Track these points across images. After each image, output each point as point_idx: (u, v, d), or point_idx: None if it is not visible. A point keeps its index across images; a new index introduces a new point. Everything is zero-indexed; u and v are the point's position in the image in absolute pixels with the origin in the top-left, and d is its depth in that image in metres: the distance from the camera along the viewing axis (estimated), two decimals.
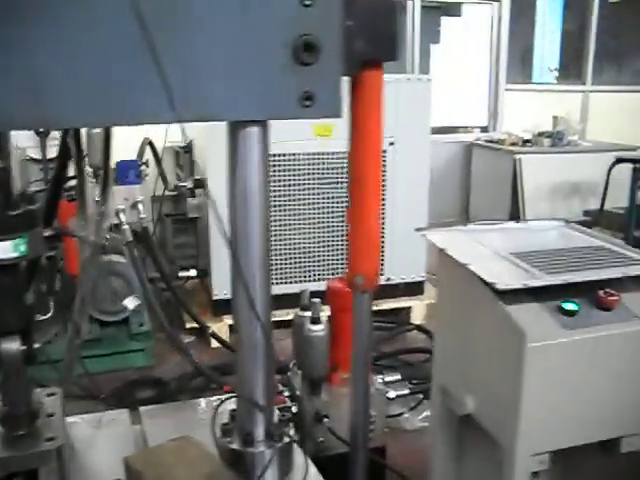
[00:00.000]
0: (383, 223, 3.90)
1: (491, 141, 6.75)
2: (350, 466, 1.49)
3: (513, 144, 6.54)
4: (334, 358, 2.08)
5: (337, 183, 3.80)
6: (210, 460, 1.26)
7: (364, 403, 1.46)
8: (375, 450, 2.08)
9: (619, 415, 1.63)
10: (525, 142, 6.64)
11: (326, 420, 2.11)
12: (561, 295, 1.60)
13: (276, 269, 3.82)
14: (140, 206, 3.00)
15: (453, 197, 7.09)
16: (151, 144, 4.16)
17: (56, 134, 3.14)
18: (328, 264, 3.91)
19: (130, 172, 3.05)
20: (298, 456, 1.34)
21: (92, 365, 2.93)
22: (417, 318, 4.05)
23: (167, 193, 3.81)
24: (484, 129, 7.14)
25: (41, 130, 3.49)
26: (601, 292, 1.59)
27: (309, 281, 3.87)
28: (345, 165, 3.76)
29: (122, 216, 2.93)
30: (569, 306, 1.57)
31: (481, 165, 6.90)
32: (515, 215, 6.33)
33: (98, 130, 1.55)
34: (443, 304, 2.07)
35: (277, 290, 3.87)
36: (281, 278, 3.85)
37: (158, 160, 3.93)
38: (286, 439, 1.27)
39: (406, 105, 3.80)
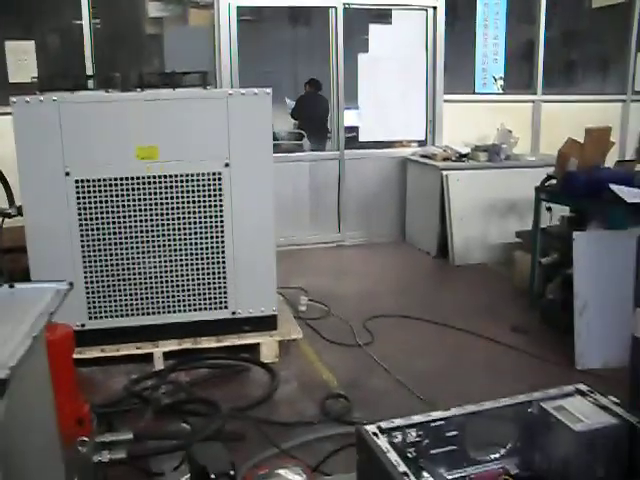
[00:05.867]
0: (223, 253, 3.52)
1: (425, 156, 6.28)
2: None
3: (445, 159, 6.07)
4: None
5: (167, 206, 3.43)
6: None
7: None
8: None
9: None
10: (462, 157, 6.15)
11: None
12: None
13: (111, 300, 3.48)
14: None
15: (390, 216, 6.66)
16: None
17: None
18: (166, 292, 3.54)
19: None
20: None
21: None
22: (267, 356, 3.63)
23: None
24: (422, 143, 6.68)
25: None
26: None
27: (148, 313, 3.51)
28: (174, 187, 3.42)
29: None
30: None
31: (414, 182, 6.45)
32: (443, 236, 5.88)
33: None
34: None
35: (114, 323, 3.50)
36: (117, 310, 3.50)
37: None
38: None
39: (241, 122, 3.41)
